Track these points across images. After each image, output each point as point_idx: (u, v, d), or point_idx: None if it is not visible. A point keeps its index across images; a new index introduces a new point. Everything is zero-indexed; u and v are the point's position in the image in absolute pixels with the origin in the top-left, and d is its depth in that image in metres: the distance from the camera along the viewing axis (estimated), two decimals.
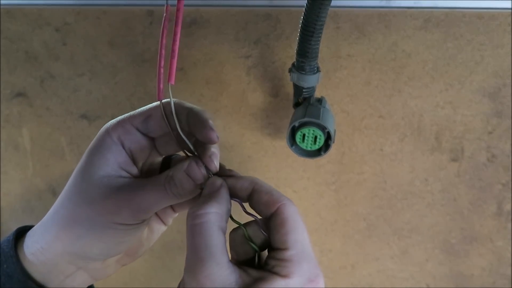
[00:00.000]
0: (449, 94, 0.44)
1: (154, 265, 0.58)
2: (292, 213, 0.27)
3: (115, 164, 0.30)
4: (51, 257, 0.30)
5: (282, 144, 0.49)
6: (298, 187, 0.51)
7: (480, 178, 0.48)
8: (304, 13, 0.35)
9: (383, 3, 0.42)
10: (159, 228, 0.36)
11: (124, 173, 0.31)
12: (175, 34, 0.28)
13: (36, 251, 0.30)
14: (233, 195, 0.29)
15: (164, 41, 0.29)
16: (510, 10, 0.41)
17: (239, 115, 0.48)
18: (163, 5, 0.44)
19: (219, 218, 0.27)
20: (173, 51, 0.28)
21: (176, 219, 0.39)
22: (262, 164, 0.50)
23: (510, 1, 0.40)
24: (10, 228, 0.58)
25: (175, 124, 0.29)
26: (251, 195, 0.29)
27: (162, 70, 0.29)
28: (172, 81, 0.29)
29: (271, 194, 0.28)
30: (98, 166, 0.30)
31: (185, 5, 0.30)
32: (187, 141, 0.30)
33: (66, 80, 0.49)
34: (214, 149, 0.30)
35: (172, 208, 0.35)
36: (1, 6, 0.47)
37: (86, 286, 0.33)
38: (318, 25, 0.35)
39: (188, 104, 0.31)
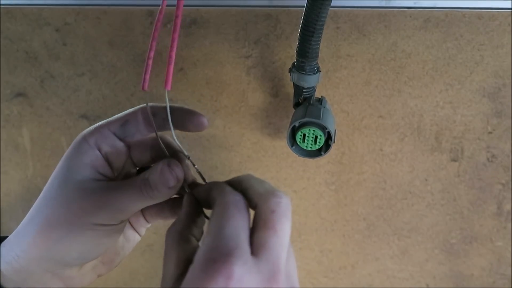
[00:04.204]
0: (449, 94, 0.44)
1: (154, 265, 0.58)
2: (222, 202, 0.27)
3: (91, 167, 0.31)
4: (26, 265, 0.30)
5: (282, 144, 0.49)
6: (298, 187, 0.51)
7: (480, 178, 0.48)
8: (304, 13, 0.35)
9: (383, 3, 0.42)
10: (134, 237, 0.36)
11: (100, 177, 0.31)
12: (172, 41, 0.28)
13: (11, 259, 0.30)
14: (201, 202, 0.31)
15: (156, 34, 0.29)
16: (510, 10, 0.41)
17: (239, 115, 0.48)
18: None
19: (177, 236, 0.28)
20: (170, 57, 0.28)
21: None
22: (262, 164, 0.50)
23: (510, 1, 0.40)
24: (10, 228, 0.58)
25: (168, 121, 0.30)
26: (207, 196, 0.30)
27: (150, 62, 0.29)
28: (169, 87, 0.29)
29: (217, 191, 0.28)
30: (75, 170, 0.30)
31: (185, 5, 0.30)
32: (177, 143, 0.31)
33: (66, 80, 0.49)
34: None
35: (145, 218, 0.36)
36: (1, 6, 0.47)
37: None
38: (319, 25, 0.34)
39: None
